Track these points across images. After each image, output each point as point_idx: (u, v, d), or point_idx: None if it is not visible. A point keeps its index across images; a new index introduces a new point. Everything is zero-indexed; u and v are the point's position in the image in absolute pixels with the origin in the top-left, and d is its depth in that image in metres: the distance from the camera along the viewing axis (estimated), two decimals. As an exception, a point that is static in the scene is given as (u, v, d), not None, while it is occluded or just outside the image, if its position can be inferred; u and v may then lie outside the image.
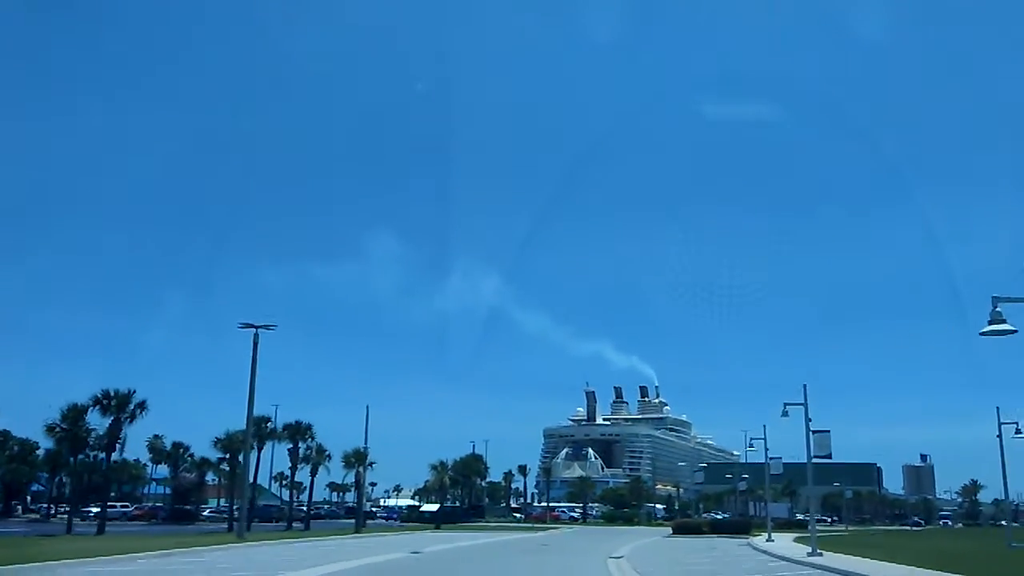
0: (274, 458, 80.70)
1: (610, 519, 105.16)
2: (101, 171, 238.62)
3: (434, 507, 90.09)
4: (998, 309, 15.43)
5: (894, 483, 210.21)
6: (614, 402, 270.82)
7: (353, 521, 64.40)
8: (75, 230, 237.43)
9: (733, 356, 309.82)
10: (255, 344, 42.75)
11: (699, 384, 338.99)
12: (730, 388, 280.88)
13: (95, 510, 64.38)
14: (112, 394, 46.40)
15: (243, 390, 43.33)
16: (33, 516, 79.07)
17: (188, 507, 77.10)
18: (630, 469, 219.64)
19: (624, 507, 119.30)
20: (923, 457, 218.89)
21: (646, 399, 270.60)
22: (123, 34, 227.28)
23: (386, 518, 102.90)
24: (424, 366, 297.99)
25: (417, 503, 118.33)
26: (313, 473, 64.03)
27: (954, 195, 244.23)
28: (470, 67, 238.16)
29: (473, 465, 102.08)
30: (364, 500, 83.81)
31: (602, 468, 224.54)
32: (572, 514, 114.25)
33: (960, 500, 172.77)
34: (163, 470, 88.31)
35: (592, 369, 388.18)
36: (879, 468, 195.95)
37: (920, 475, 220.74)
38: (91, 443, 50.25)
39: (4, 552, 25.01)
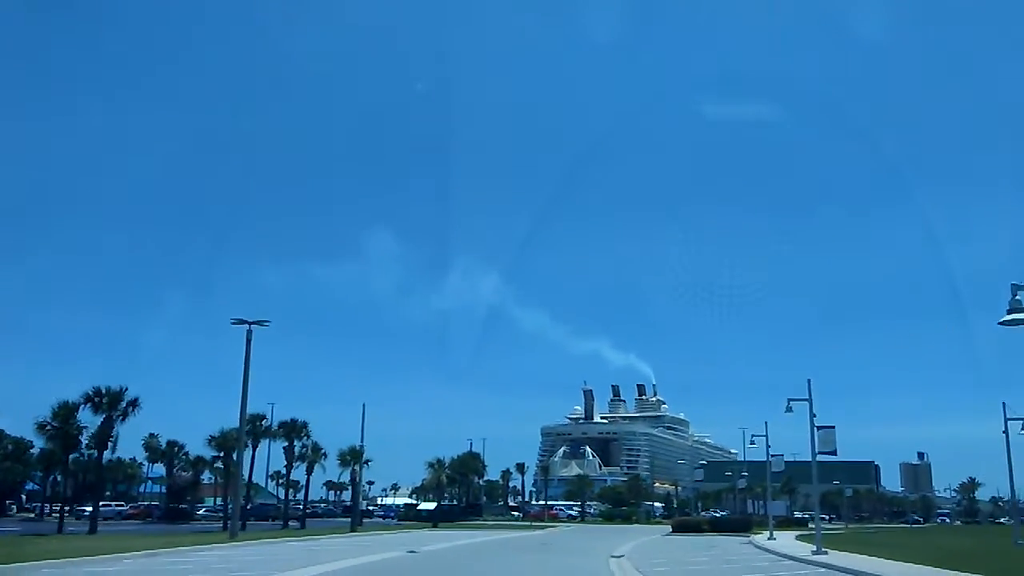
0: (270, 457, 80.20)
1: (608, 517, 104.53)
2: (101, 171, 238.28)
3: (431, 505, 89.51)
4: (1017, 297, 14.84)
5: (891, 481, 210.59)
6: (612, 400, 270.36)
7: (349, 520, 63.77)
8: (75, 230, 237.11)
9: (732, 355, 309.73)
10: (248, 341, 42.07)
11: (698, 383, 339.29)
12: (729, 387, 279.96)
13: (90, 509, 63.80)
14: (103, 392, 45.74)
15: (240, 389, 42.69)
16: (28, 515, 78.33)
17: (183, 506, 76.47)
18: (627, 467, 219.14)
19: (622, 505, 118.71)
20: (920, 455, 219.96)
21: (644, 397, 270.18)
22: (123, 34, 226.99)
23: (383, 517, 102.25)
24: (423, 365, 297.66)
25: (414, 502, 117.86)
26: (309, 471, 63.38)
27: (954, 195, 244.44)
28: (470, 67, 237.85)
29: (470, 463, 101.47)
30: (361, 499, 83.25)
31: (599, 466, 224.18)
32: (570, 512, 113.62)
33: (958, 498, 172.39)
34: (159, 469, 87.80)
35: (590, 368, 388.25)
36: (877, 466, 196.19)
37: (917, 473, 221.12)
38: (83, 441, 49.48)
39: (-12, 552, 24.32)
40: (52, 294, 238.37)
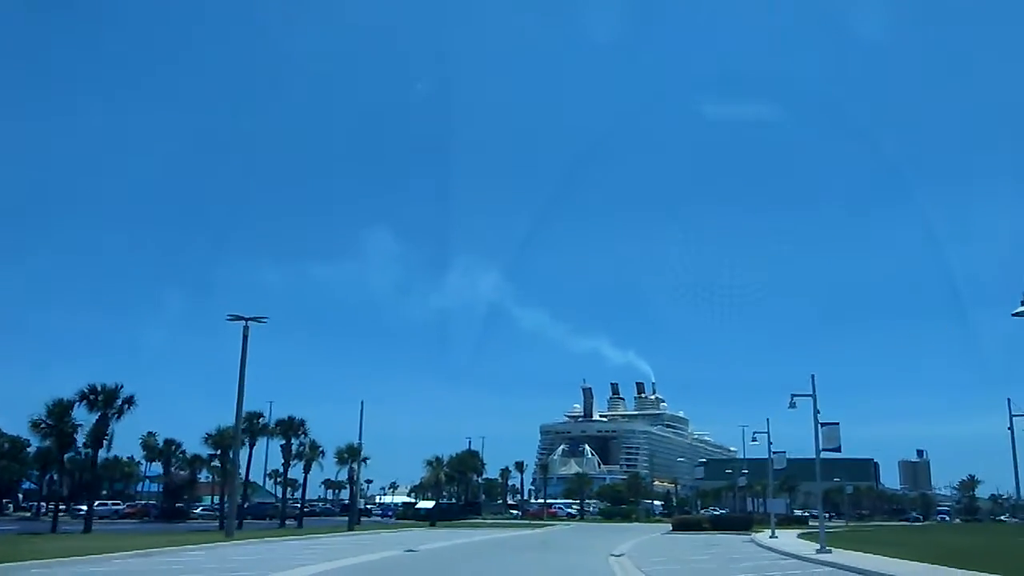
0: (268, 455, 79.66)
1: (608, 516, 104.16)
2: (101, 171, 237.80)
3: (430, 504, 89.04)
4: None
5: (890, 479, 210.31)
6: (611, 399, 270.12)
7: (347, 518, 63.33)
8: (75, 230, 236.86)
9: (732, 354, 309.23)
10: (245, 337, 41.64)
11: (697, 382, 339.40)
12: (728, 386, 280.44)
13: (86, 508, 63.28)
14: (99, 389, 45.24)
15: (244, 388, 42.26)
16: (25, 514, 77.83)
17: (180, 505, 75.85)
18: (627, 466, 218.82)
19: (621, 504, 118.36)
20: (919, 453, 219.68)
21: (643, 396, 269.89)
22: (123, 34, 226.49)
23: (382, 515, 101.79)
24: (422, 364, 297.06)
25: (413, 500, 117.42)
26: (306, 470, 62.97)
27: (954, 195, 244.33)
28: (470, 67, 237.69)
29: (469, 462, 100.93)
30: (359, 497, 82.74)
31: (599, 465, 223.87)
32: (569, 511, 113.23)
33: (958, 496, 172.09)
34: (157, 468, 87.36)
35: (589, 366, 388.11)
36: (876, 464, 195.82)
37: (916, 470, 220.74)
38: (78, 440, 49.02)
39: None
40: (52, 294, 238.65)
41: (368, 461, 71.97)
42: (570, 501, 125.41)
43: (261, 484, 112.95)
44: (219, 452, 59.42)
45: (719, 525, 64.04)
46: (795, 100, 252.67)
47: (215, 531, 44.89)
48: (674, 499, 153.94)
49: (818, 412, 31.28)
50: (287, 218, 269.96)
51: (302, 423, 60.42)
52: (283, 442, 60.71)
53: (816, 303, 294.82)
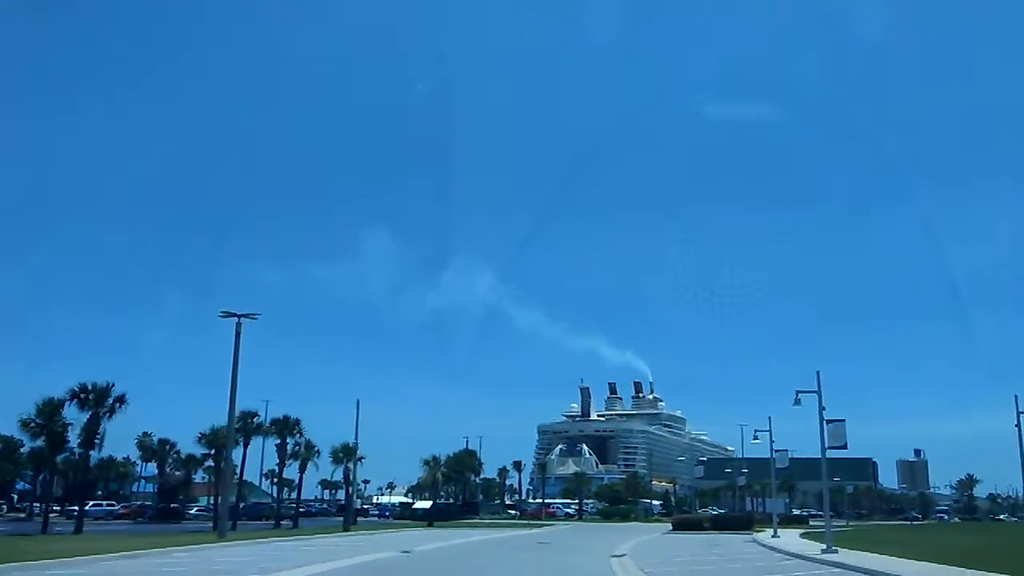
0: (264, 455, 79.02)
1: (606, 515, 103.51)
2: (101, 171, 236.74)
3: (427, 504, 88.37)
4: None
5: (887, 478, 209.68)
6: (608, 398, 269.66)
7: (343, 519, 62.63)
8: (74, 230, 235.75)
9: (730, 354, 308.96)
10: (237, 334, 40.92)
11: (695, 381, 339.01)
12: (726, 386, 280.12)
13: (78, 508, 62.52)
14: (89, 388, 44.62)
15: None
16: (19, 515, 77.15)
17: (175, 505, 75.20)
18: (625, 465, 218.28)
19: (620, 503, 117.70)
20: (917, 452, 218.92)
21: (641, 395, 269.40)
22: (123, 34, 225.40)
23: (379, 515, 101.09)
24: (420, 364, 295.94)
25: (410, 500, 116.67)
26: (302, 469, 62.29)
27: (954, 195, 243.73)
28: (470, 67, 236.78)
29: (467, 461, 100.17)
30: (355, 497, 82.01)
31: (596, 464, 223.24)
32: (567, 511, 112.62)
33: (956, 495, 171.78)
34: (154, 468, 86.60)
35: (586, 365, 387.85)
36: (875, 463, 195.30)
37: (914, 470, 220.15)
38: (70, 439, 48.30)
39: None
40: (51, 293, 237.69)
41: (364, 461, 71.42)
42: (568, 501, 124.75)
43: (257, 484, 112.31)
44: (213, 452, 58.77)
45: (720, 525, 63.38)
46: (795, 100, 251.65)
47: (208, 532, 44.17)
48: (672, 499, 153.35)
49: (823, 409, 30.65)
50: (286, 218, 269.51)
51: (297, 422, 59.91)
52: (278, 442, 60.19)
53: (815, 303, 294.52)
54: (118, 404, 45.16)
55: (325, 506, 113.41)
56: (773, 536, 44.58)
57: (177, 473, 76.30)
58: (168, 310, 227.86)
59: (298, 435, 60.11)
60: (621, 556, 29.98)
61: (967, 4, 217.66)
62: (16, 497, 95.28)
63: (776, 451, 49.14)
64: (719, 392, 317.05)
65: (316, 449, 61.96)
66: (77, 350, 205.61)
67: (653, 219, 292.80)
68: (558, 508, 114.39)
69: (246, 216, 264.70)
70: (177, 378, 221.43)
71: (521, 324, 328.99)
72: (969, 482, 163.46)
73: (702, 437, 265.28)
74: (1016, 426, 39.58)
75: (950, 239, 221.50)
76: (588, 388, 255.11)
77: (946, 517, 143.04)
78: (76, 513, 61.23)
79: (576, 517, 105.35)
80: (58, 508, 78.51)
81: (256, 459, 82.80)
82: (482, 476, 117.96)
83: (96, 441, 48.40)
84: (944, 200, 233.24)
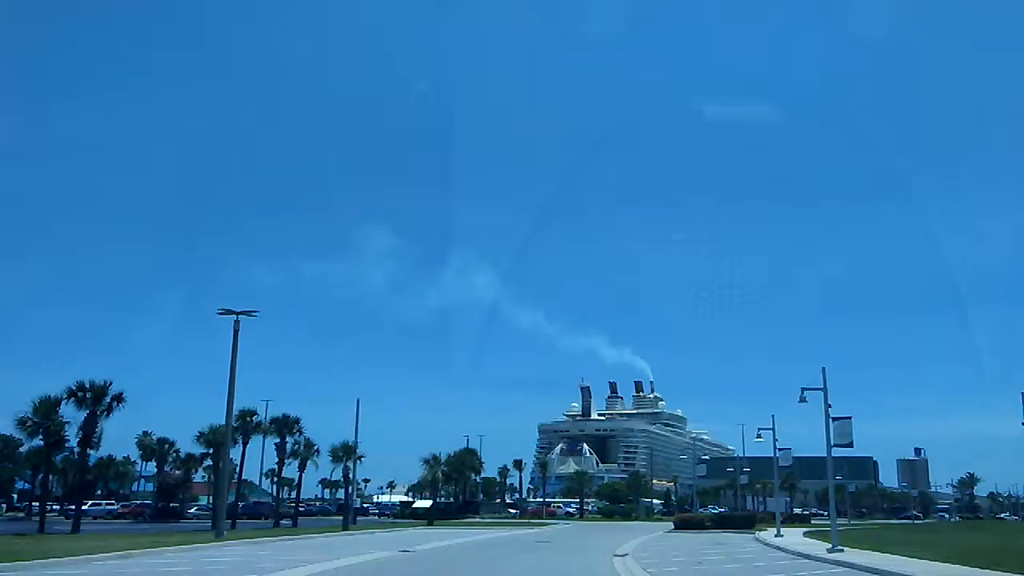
0: (264, 454, 78.74)
1: (608, 514, 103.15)
2: (100, 171, 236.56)
3: (427, 503, 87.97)
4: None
5: (886, 477, 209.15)
6: (609, 397, 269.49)
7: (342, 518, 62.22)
8: (73, 230, 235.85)
9: (731, 353, 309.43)
10: (235, 332, 40.52)
11: (694, 380, 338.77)
12: (725, 385, 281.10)
13: (82, 507, 62.11)
14: (87, 386, 44.17)
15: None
16: (18, 515, 76.89)
17: (174, 505, 74.84)
18: (625, 464, 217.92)
19: (620, 502, 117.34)
20: (917, 451, 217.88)
21: (641, 394, 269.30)
22: (123, 34, 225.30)
23: (379, 515, 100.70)
24: (421, 363, 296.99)
25: (411, 499, 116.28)
26: (301, 468, 61.84)
27: (953, 194, 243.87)
28: (470, 67, 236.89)
29: (467, 460, 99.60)
30: (355, 496, 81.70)
31: (597, 463, 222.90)
32: (568, 509, 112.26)
33: (957, 494, 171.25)
34: (154, 468, 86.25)
35: (587, 364, 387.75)
36: (875, 462, 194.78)
37: (914, 469, 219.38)
38: (68, 438, 47.81)
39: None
40: (50, 293, 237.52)
41: (363, 460, 71.00)
42: (569, 500, 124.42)
43: (258, 484, 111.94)
44: (212, 451, 58.37)
45: (722, 523, 62.89)
46: (794, 99, 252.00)
47: (206, 531, 43.71)
48: (674, 497, 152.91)
49: (829, 406, 30.16)
50: (286, 216, 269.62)
51: (296, 421, 59.56)
52: (278, 441, 59.79)
53: (815, 302, 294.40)
54: (116, 403, 44.71)
55: (325, 505, 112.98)
56: (777, 535, 44.07)
57: (177, 472, 75.89)
58: (167, 309, 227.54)
59: (298, 434, 59.83)
60: (623, 556, 29.54)
61: (966, 3, 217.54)
62: (16, 496, 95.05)
63: (780, 449, 48.61)
64: (719, 391, 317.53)
65: (316, 448, 61.68)
66: (76, 349, 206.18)
67: (653, 218, 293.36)
68: (559, 507, 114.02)
69: (246, 215, 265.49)
70: (178, 377, 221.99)
71: (521, 323, 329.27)
72: (970, 481, 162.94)
73: (702, 436, 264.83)
74: (1023, 424, 38.97)
75: (949, 238, 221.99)
76: (589, 387, 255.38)
77: (947, 516, 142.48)
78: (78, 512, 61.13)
79: (577, 516, 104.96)
80: (57, 507, 78.23)
81: (256, 458, 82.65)
82: (483, 475, 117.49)
83: (94, 440, 48.07)
84: (944, 199, 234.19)
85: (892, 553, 28.12)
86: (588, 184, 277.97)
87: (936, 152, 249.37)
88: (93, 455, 70.01)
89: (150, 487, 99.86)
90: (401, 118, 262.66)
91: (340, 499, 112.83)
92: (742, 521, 64.17)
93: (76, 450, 53.15)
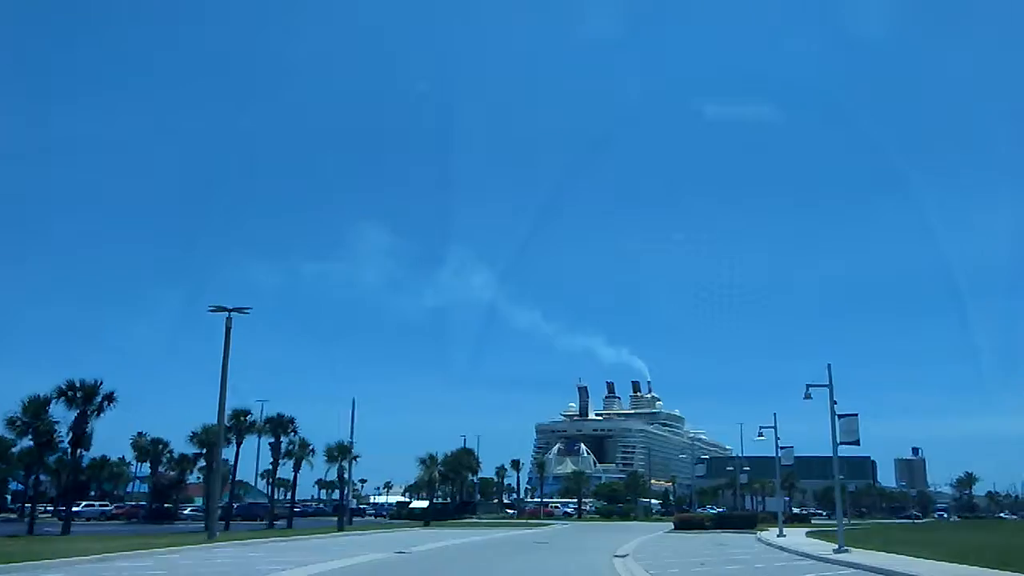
0: (260, 455, 77.94)
1: (606, 515, 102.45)
2: (98, 171, 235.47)
3: (424, 503, 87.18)
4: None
5: (884, 476, 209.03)
6: (606, 397, 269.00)
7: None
8: (69, 230, 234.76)
9: (729, 353, 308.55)
10: (227, 328, 39.79)
11: (692, 380, 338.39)
12: (724, 384, 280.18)
13: (76, 509, 61.25)
14: (77, 385, 43.48)
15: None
16: (11, 516, 76.12)
17: (168, 506, 74.02)
18: (623, 464, 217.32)
19: (618, 502, 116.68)
20: (915, 450, 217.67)
21: (638, 394, 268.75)
22: (122, 34, 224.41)
23: (375, 515, 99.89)
24: (418, 362, 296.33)
25: (407, 500, 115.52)
26: (296, 468, 60.98)
27: (953, 193, 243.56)
28: (470, 66, 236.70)
29: (464, 460, 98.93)
30: (351, 496, 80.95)
31: (594, 463, 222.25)
32: (566, 510, 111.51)
33: (955, 493, 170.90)
34: (149, 469, 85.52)
35: (584, 364, 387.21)
36: (873, 461, 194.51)
37: (912, 468, 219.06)
38: (58, 438, 47.11)
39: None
40: (47, 293, 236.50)
41: (359, 459, 70.14)
42: (567, 500, 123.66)
43: (253, 485, 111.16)
44: (205, 451, 57.60)
45: (722, 523, 62.19)
46: (794, 99, 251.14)
47: (198, 533, 42.91)
48: (672, 497, 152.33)
49: (835, 403, 29.51)
50: (284, 216, 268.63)
51: (291, 421, 58.81)
52: (272, 441, 59.05)
53: (814, 302, 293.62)
54: (107, 402, 44.11)
55: (321, 506, 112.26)
56: (779, 535, 43.39)
57: (171, 473, 75.08)
58: (167, 309, 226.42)
59: (292, 434, 59.01)
60: (624, 556, 28.84)
61: (966, 4, 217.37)
62: (10, 498, 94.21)
63: (782, 448, 47.96)
64: (717, 391, 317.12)
65: (311, 448, 60.81)
66: (75, 349, 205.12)
67: (653, 218, 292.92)
68: (556, 507, 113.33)
69: (246, 215, 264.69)
70: (177, 378, 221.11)
71: (519, 323, 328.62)
72: (968, 480, 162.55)
73: (700, 436, 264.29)
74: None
75: (948, 236, 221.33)
76: (586, 387, 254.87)
77: (945, 516, 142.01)
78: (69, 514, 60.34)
79: (575, 516, 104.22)
80: (51, 508, 77.41)
81: (252, 459, 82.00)
82: (480, 475, 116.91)
83: (85, 439, 47.34)
84: (943, 198, 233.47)
85: (898, 553, 27.48)
86: (588, 184, 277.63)
87: (935, 151, 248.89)
88: (87, 456, 69.42)
89: (145, 488, 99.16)
90: (401, 118, 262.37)
91: (336, 500, 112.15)
92: (743, 521, 63.50)
93: (68, 451, 52.46)
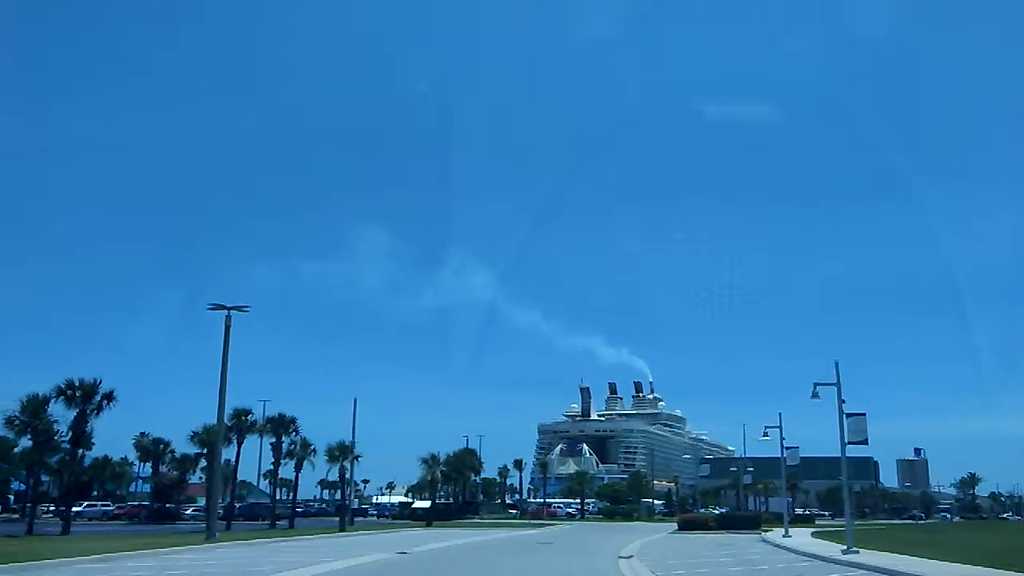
0: (262, 455, 77.61)
1: (609, 515, 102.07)
2: (97, 171, 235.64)
3: (426, 504, 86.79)
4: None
5: (886, 477, 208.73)
6: (608, 398, 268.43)
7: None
8: (69, 230, 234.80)
9: (731, 353, 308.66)
10: (227, 327, 39.49)
11: (693, 380, 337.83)
12: (726, 384, 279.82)
13: (78, 509, 60.96)
14: (76, 384, 43.19)
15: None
16: (13, 516, 75.91)
17: (170, 506, 73.78)
18: (625, 465, 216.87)
19: (621, 503, 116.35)
20: (917, 451, 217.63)
21: (640, 395, 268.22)
22: (122, 34, 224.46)
23: (378, 516, 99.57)
24: (419, 363, 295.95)
25: (410, 500, 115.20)
26: (297, 468, 60.70)
27: (954, 193, 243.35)
28: (470, 66, 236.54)
29: (467, 460, 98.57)
30: (352, 496, 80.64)
31: (597, 464, 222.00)
32: (568, 510, 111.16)
33: (959, 494, 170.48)
34: (151, 469, 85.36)
35: (586, 365, 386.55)
36: (876, 462, 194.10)
37: (914, 469, 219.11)
38: (57, 438, 46.85)
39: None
40: (47, 293, 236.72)
41: (361, 459, 69.72)
42: (569, 500, 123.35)
43: (256, 485, 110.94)
44: (206, 451, 57.33)
45: (726, 524, 61.73)
46: (794, 99, 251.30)
47: (199, 533, 42.51)
48: (675, 498, 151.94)
49: (843, 402, 29.12)
50: (284, 216, 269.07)
51: (292, 420, 58.57)
52: (274, 440, 58.77)
53: (815, 302, 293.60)
54: (106, 401, 43.84)
55: (324, 506, 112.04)
56: (785, 536, 43.02)
57: (173, 473, 74.86)
58: (167, 309, 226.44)
59: (294, 433, 58.75)
60: (628, 558, 28.49)
61: (966, 4, 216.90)
62: (12, 498, 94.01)
63: (787, 448, 47.60)
64: (718, 391, 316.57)
65: (312, 448, 60.50)
66: (75, 350, 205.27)
67: (653, 218, 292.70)
68: (559, 508, 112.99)
69: (246, 215, 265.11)
70: (178, 378, 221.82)
71: (519, 323, 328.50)
72: (971, 481, 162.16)
73: (702, 436, 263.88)
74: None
75: (950, 237, 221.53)
76: (588, 388, 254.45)
77: (949, 516, 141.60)
78: (73, 513, 60.09)
79: (578, 517, 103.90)
80: (52, 509, 77.15)
81: (254, 459, 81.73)
82: (482, 476, 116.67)
83: (88, 440, 47.12)
84: (943, 198, 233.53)
85: (906, 554, 27.12)
86: (588, 184, 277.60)
87: (935, 151, 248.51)
88: (89, 456, 69.20)
89: (148, 488, 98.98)
90: (401, 118, 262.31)
91: (338, 500, 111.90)
92: (747, 522, 63.02)
93: (77, 451, 52.23)
